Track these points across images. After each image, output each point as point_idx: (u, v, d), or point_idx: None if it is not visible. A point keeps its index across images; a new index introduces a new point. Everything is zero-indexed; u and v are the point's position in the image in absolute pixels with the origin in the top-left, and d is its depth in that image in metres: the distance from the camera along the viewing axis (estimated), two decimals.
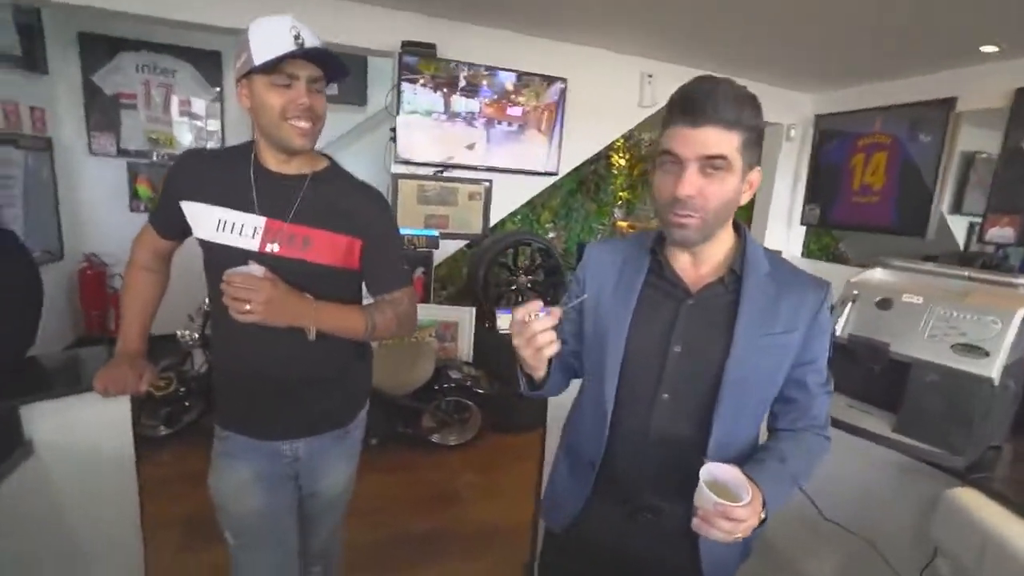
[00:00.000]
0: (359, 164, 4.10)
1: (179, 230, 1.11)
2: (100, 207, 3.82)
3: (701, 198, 0.78)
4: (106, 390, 1.10)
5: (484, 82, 3.12)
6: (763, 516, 0.77)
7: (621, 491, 0.93)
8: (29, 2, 2.80)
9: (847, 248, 5.96)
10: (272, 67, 0.95)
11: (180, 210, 1.07)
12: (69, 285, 3.67)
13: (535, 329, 0.76)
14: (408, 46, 2.89)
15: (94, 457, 1.32)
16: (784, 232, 4.40)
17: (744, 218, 5.22)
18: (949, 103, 3.20)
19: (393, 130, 3.04)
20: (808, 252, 5.13)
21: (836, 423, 1.28)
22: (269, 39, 0.95)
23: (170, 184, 1.09)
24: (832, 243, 5.94)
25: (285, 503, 1.17)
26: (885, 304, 1.27)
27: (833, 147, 3.98)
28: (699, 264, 0.88)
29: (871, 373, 1.29)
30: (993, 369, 1.07)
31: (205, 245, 1.06)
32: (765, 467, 0.82)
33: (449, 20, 3.01)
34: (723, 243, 0.87)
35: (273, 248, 1.03)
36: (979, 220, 4.79)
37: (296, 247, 1.04)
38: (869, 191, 3.75)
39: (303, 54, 0.96)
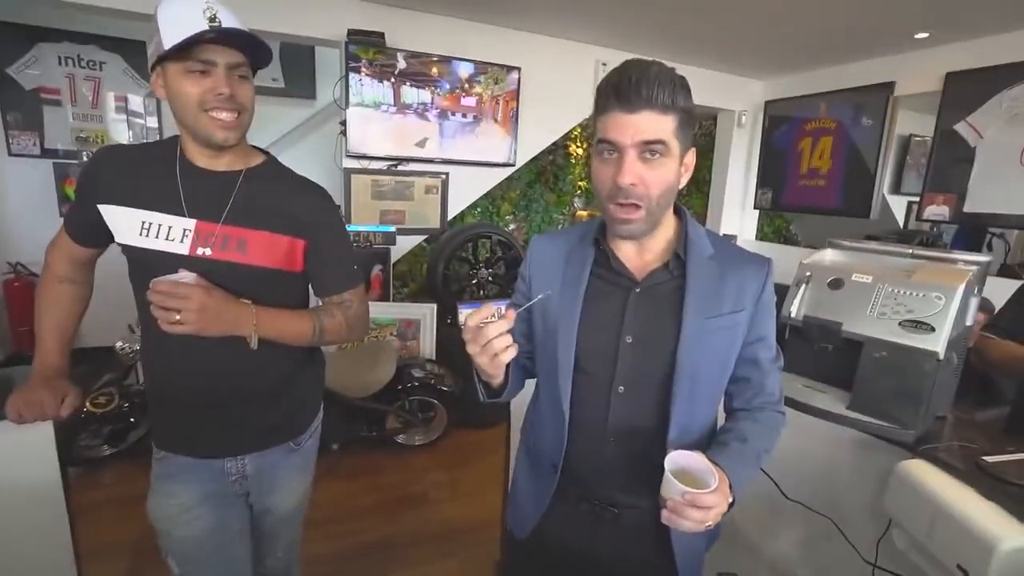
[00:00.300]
0: (311, 160, 3.97)
1: (98, 236, 1.00)
2: (25, 212, 3.53)
3: (643, 186, 0.76)
4: (20, 417, 0.98)
5: (435, 71, 3.04)
6: (731, 499, 0.76)
7: (584, 491, 0.91)
8: None
9: (797, 230, 6.20)
10: (185, 52, 0.86)
11: (98, 213, 0.96)
12: None
13: (489, 335, 0.72)
14: (355, 34, 2.77)
15: (17, 489, 1.20)
16: (738, 216, 4.52)
17: (700, 204, 5.33)
18: (888, 87, 3.33)
19: (343, 123, 2.93)
20: (762, 235, 5.30)
21: (793, 404, 1.30)
22: (179, 20, 0.85)
23: (85, 185, 0.98)
24: (784, 225, 6.15)
25: (234, 525, 1.09)
26: (836, 284, 1.29)
27: (782, 132, 4.10)
28: (643, 251, 0.87)
29: (825, 353, 1.32)
30: (939, 343, 1.10)
31: (128, 251, 0.97)
32: (728, 449, 0.82)
33: (399, 8, 2.91)
34: (666, 229, 0.86)
35: (205, 252, 0.95)
36: (916, 199, 5.09)
37: (231, 250, 0.96)
38: (816, 174, 3.88)
39: (215, 36, 0.86)
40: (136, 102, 3.76)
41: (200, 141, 0.94)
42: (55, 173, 3.58)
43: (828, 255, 1.45)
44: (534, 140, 3.49)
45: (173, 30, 0.85)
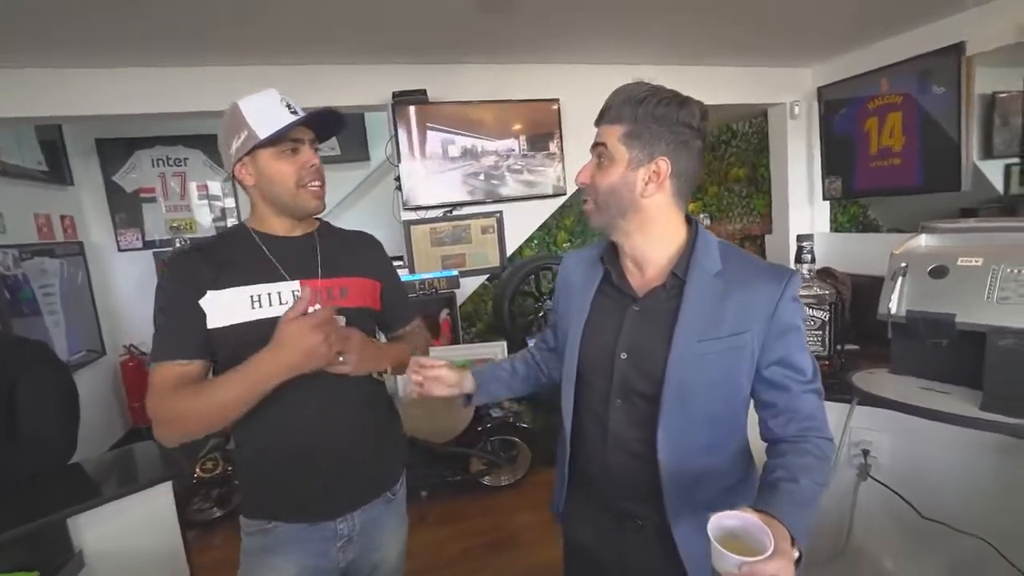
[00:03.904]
0: (371, 216, 4.20)
1: (206, 341, 0.97)
2: (133, 299, 3.96)
3: (592, 184, 0.87)
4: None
5: (477, 116, 3.15)
6: (798, 555, 0.66)
7: (596, 494, 0.93)
8: (50, 120, 2.97)
9: (877, 214, 5.72)
10: (277, 138, 0.96)
11: (201, 311, 0.96)
12: (114, 378, 3.79)
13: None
14: (399, 96, 2.94)
15: (145, 556, 1.30)
16: (808, 211, 4.25)
17: (762, 204, 5.07)
18: (957, 49, 3.06)
19: (397, 179, 3.08)
20: (837, 226, 4.94)
21: (915, 410, 1.17)
22: (265, 112, 0.96)
23: (178, 288, 0.97)
24: (860, 212, 5.70)
25: None
26: (940, 272, 1.17)
27: (842, 116, 3.85)
28: (643, 269, 0.89)
29: (938, 349, 1.19)
30: None
31: (236, 331, 0.96)
32: (780, 494, 0.74)
33: (437, 64, 3.07)
34: (664, 246, 0.87)
35: (316, 306, 1.00)
36: (1015, 161, 4.55)
37: (336, 298, 1.05)
38: (889, 153, 3.60)
39: (308, 119, 0.97)
40: (215, 187, 4.19)
41: (293, 214, 1.03)
42: (155, 261, 4.02)
43: (923, 241, 1.32)
44: (580, 166, 3.49)
45: (264, 121, 0.95)
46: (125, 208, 3.94)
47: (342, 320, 0.96)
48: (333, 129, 1.05)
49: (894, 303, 1.21)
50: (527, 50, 3.03)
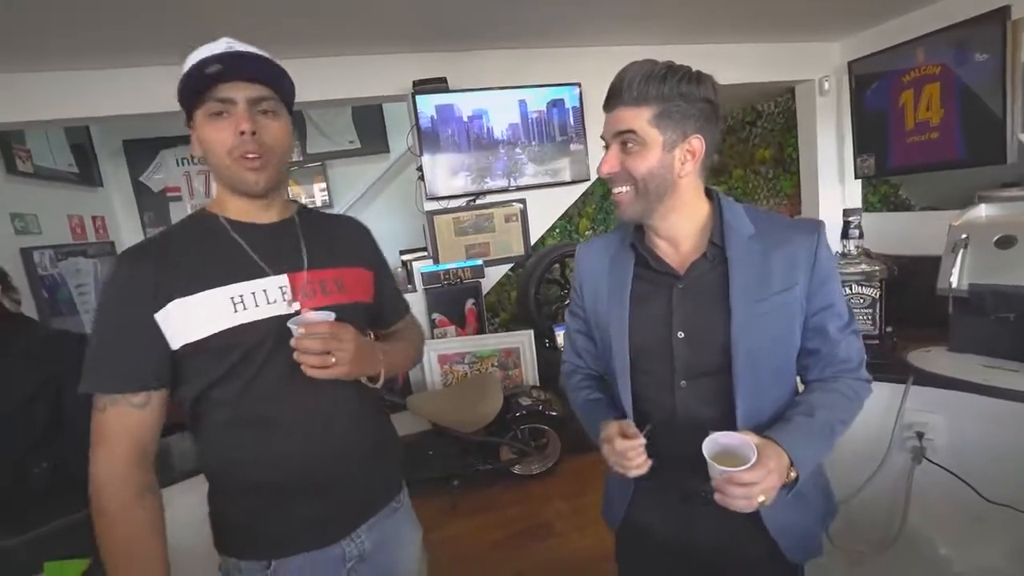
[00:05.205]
0: (394, 208, 4.20)
1: (166, 365, 0.81)
2: None
3: (624, 171, 0.82)
4: None
5: (499, 103, 3.10)
6: (794, 474, 0.76)
7: (665, 477, 0.90)
8: (79, 121, 3.02)
9: (908, 193, 5.52)
10: (203, 94, 0.77)
11: (157, 328, 0.78)
12: None
13: (625, 455, 0.80)
14: (420, 84, 2.91)
15: (186, 548, 1.31)
16: (838, 190, 4.12)
17: (789, 184, 4.93)
18: (1002, 13, 2.91)
19: (419, 169, 3.06)
20: (867, 206, 4.78)
21: (978, 388, 1.11)
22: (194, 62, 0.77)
23: (123, 302, 0.78)
24: (891, 192, 5.51)
25: None
26: (1007, 242, 1.10)
27: (874, 91, 3.70)
28: (678, 245, 0.87)
29: (1005, 324, 1.12)
30: None
31: (217, 340, 0.80)
32: (790, 424, 0.80)
33: (457, 52, 3.03)
34: (694, 218, 0.86)
35: (303, 310, 0.88)
36: None
37: (332, 292, 0.91)
38: (927, 127, 3.45)
39: (222, 66, 0.75)
40: None
41: (236, 191, 0.85)
42: None
43: (983, 211, 1.25)
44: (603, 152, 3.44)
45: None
46: (153, 208, 4.01)
47: (331, 316, 0.83)
48: (283, 87, 0.84)
49: (955, 277, 1.14)
50: (547, 35, 2.97)
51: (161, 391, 0.81)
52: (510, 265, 3.40)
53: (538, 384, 3.02)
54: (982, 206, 1.26)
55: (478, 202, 3.17)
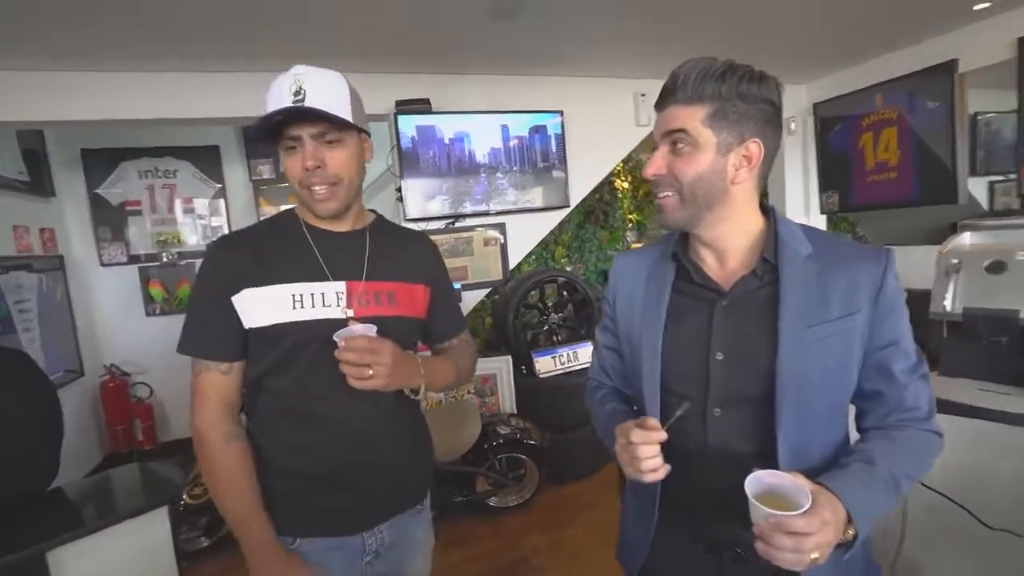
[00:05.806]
0: None
1: (243, 340, 0.93)
2: (116, 317, 3.78)
3: (671, 175, 0.76)
4: None
5: (480, 126, 3.10)
6: (852, 532, 0.64)
7: (694, 526, 0.81)
8: (33, 125, 2.84)
9: (864, 231, 5.82)
10: (275, 132, 0.87)
11: (233, 309, 0.90)
12: (92, 400, 3.57)
13: (639, 455, 0.71)
14: (402, 104, 2.88)
15: None
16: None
17: None
18: (951, 66, 3.14)
19: (398, 190, 3.00)
20: None
21: (972, 411, 1.11)
22: (272, 102, 0.87)
23: (210, 283, 0.91)
24: (849, 229, 5.79)
25: None
26: (998, 267, 1.13)
27: (837, 132, 3.92)
28: (725, 259, 0.80)
29: (997, 347, 1.14)
30: None
31: (276, 330, 0.90)
32: (846, 471, 0.69)
33: (441, 74, 3.03)
34: (746, 232, 0.79)
35: (351, 316, 0.94)
36: (999, 179, 4.67)
37: (383, 304, 0.97)
38: (886, 167, 3.65)
39: (282, 119, 0.85)
40: (201, 204, 4.01)
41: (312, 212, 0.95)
42: (140, 276, 3.84)
43: (967, 239, 1.29)
44: (585, 178, 3.47)
45: (266, 109, 0.86)
46: (109, 221, 3.77)
47: (372, 329, 0.86)
48: (328, 117, 0.89)
49: (948, 301, 1.16)
50: (531, 62, 3.01)
51: (241, 361, 0.93)
52: (488, 290, 3.35)
53: (515, 412, 2.93)
54: (966, 234, 1.29)
55: (457, 224, 3.13)
